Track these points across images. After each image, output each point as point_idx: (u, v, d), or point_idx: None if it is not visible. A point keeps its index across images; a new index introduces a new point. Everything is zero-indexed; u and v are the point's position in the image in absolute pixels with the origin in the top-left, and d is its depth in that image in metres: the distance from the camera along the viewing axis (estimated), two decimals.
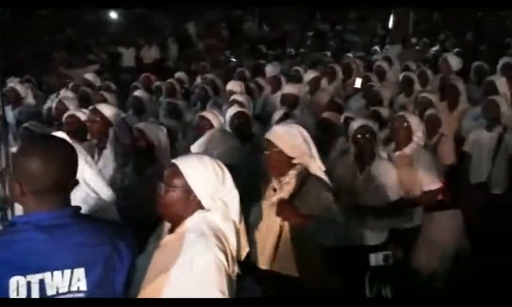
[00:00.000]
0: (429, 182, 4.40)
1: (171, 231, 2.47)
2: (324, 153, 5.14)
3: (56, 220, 1.93)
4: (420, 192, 4.40)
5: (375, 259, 3.87)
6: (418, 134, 4.53)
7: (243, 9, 18.38)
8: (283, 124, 3.62)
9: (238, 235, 2.45)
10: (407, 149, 4.47)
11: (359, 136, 4.16)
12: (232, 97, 6.12)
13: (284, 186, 3.34)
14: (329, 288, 3.34)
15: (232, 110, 5.04)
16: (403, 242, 4.26)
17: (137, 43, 14.69)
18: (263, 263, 3.29)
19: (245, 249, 2.53)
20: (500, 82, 6.34)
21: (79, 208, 2.04)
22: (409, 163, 4.41)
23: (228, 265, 2.32)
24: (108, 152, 4.49)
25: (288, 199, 3.30)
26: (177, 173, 2.40)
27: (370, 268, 3.88)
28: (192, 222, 2.39)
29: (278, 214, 3.27)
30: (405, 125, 4.51)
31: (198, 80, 10.04)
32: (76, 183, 2.06)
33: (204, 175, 2.39)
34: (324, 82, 7.87)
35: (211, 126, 4.77)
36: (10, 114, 6.44)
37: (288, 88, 6.65)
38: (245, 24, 19.00)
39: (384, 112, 5.52)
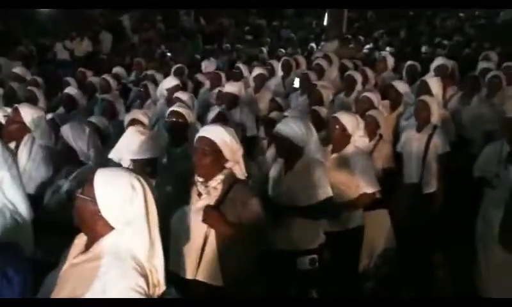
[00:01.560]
0: (367, 185, 4.37)
1: (87, 246, 2.27)
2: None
3: None
4: (357, 194, 4.38)
5: (301, 263, 3.83)
6: (358, 134, 4.48)
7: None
8: (222, 125, 3.46)
9: (151, 261, 2.21)
10: (344, 151, 4.39)
11: (277, 138, 3.98)
12: (175, 95, 5.92)
13: (211, 191, 3.21)
14: (255, 295, 3.27)
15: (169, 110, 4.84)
16: (340, 244, 4.22)
17: (70, 35, 14.16)
18: (186, 272, 3.16)
19: (161, 287, 2.26)
20: (433, 82, 6.44)
21: None
22: (346, 165, 4.35)
23: (149, 288, 2.14)
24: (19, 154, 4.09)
25: (215, 206, 3.17)
26: (90, 181, 2.21)
27: (297, 272, 3.84)
28: (106, 242, 2.19)
29: (204, 221, 3.12)
30: (338, 126, 4.40)
31: (133, 75, 9.82)
32: None
33: (113, 190, 2.17)
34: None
35: (144, 127, 4.54)
36: None
37: (227, 87, 6.53)
38: (181, 18, 18.74)
39: (324, 112, 5.50)
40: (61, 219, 3.54)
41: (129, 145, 3.69)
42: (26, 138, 4.13)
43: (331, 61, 8.69)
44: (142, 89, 7.16)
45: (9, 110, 4.55)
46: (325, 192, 3.83)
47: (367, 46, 14.23)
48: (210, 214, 3.12)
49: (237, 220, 3.16)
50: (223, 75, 7.86)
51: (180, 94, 5.92)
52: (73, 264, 2.24)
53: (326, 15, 15.31)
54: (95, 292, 2.08)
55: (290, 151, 3.90)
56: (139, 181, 2.22)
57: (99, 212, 2.18)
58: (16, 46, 12.59)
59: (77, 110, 6.28)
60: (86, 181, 2.25)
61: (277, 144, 4.02)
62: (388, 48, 13.58)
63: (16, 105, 4.36)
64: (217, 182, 3.21)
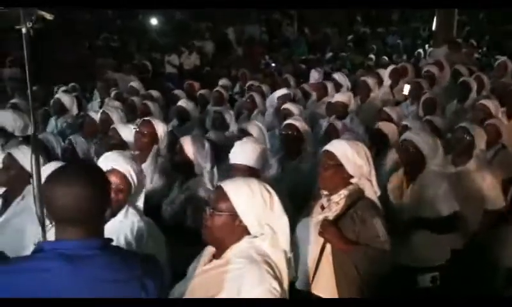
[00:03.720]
0: (494, 201, 4.12)
1: (215, 256, 2.36)
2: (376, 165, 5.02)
3: (83, 250, 1.84)
4: (481, 209, 4.13)
5: (422, 280, 3.69)
6: (481, 148, 4.26)
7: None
8: (347, 139, 3.40)
9: (289, 264, 2.34)
10: (470, 165, 4.19)
11: (404, 147, 3.89)
12: (284, 106, 5.93)
13: (332, 205, 3.15)
14: None
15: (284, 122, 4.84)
16: (462, 262, 4.00)
17: (178, 49, 14.69)
18: (301, 283, 3.15)
19: (289, 279, 2.38)
20: None
21: (109, 240, 1.94)
22: (469, 180, 4.14)
23: (281, 294, 2.21)
24: (147, 166, 4.32)
25: (334, 220, 3.11)
26: (223, 196, 2.29)
27: (417, 290, 3.69)
28: (239, 248, 2.28)
29: (320, 234, 3.09)
30: (467, 137, 4.24)
31: (237, 86, 9.99)
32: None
33: (251, 200, 2.28)
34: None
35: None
36: (54, 124, 6.43)
37: (337, 96, 6.43)
38: (284, 28, 18.87)
39: (439, 121, 5.25)
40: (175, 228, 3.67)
41: (248, 152, 3.69)
42: (153, 150, 4.30)
43: (442, 67, 8.31)
44: (248, 100, 7.24)
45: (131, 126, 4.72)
46: (452, 206, 3.68)
47: (479, 51, 13.51)
48: (327, 228, 3.07)
49: (355, 238, 3.07)
50: (329, 85, 7.76)
51: (289, 106, 5.92)
52: (205, 270, 2.34)
53: (435, 18, 14.75)
54: (229, 294, 2.16)
55: (416, 161, 3.80)
56: (266, 187, 2.34)
57: (240, 222, 2.26)
58: (130, 61, 13.27)
59: (191, 122, 6.45)
60: (217, 196, 2.31)
61: (404, 152, 3.89)
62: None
63: (148, 117, 4.54)
64: (340, 197, 3.14)
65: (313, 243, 3.14)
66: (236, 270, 2.21)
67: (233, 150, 3.73)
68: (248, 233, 2.30)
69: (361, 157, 3.13)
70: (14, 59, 11.84)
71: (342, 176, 3.13)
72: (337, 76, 8.17)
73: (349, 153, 3.12)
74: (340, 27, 18.69)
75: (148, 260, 2.05)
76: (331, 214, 3.13)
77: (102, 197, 1.92)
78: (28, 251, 3.27)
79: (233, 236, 2.29)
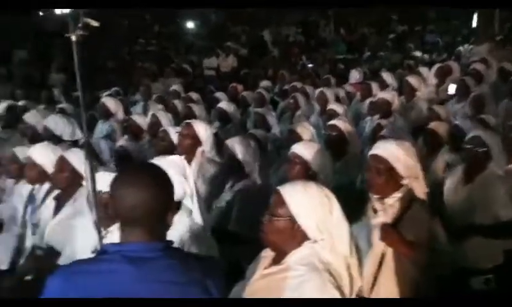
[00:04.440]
0: None
1: (275, 260, 2.32)
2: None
3: (146, 253, 1.84)
4: None
5: (475, 282, 3.60)
6: None
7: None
8: (395, 140, 3.32)
9: (349, 270, 2.27)
10: None
11: (470, 147, 3.79)
12: (329, 106, 5.87)
13: (388, 209, 3.07)
14: None
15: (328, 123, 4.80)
16: None
17: (216, 52, 14.76)
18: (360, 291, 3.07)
19: (357, 284, 2.33)
20: None
21: (171, 242, 1.93)
22: None
23: None
24: (192, 168, 4.29)
25: (393, 224, 3.02)
26: (281, 201, 2.25)
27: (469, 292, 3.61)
28: (300, 254, 2.24)
29: (382, 239, 3.00)
30: None
31: (276, 87, 9.97)
32: (176, 208, 1.95)
33: (309, 204, 2.23)
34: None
35: (300, 140, 4.54)
36: (101, 129, 6.51)
37: (381, 94, 6.33)
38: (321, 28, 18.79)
39: (492, 120, 5.10)
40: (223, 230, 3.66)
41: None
42: (198, 152, 4.29)
43: (488, 65, 8.11)
44: (292, 101, 7.18)
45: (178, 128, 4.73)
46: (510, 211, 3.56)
47: None
48: (389, 233, 2.99)
49: (415, 240, 2.99)
50: (374, 85, 7.65)
51: (334, 106, 5.86)
52: (264, 275, 2.30)
53: (475, 15, 14.42)
54: None
55: (479, 160, 3.70)
56: (324, 191, 2.29)
57: (299, 227, 2.22)
58: (169, 64, 13.39)
59: (232, 124, 6.46)
60: (274, 201, 2.28)
61: (469, 150, 3.78)
62: None
63: (188, 120, 4.54)
64: (394, 200, 3.06)
65: (371, 248, 3.06)
66: (297, 278, 2.17)
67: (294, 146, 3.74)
68: (308, 238, 2.25)
69: (411, 157, 3.07)
70: (60, 64, 12.12)
71: (394, 179, 3.06)
72: (384, 75, 8.05)
73: (399, 155, 3.05)
74: (377, 26, 18.48)
75: (210, 262, 2.04)
76: (388, 218, 3.05)
77: (166, 199, 1.91)
78: (81, 251, 3.33)
79: (292, 242, 2.25)
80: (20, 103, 7.54)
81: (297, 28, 18.36)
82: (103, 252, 1.89)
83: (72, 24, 2.56)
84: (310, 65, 14.32)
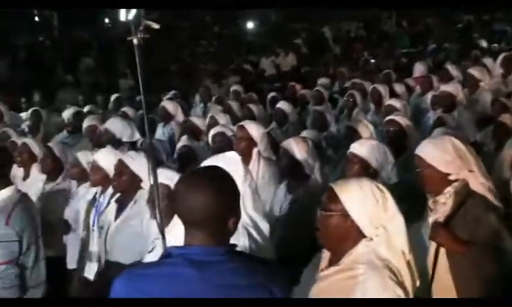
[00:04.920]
0: None
1: (332, 261, 2.29)
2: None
3: (209, 256, 1.83)
4: None
5: None
6: None
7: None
8: (433, 137, 3.24)
9: (409, 267, 2.23)
10: None
11: None
12: (387, 102, 5.75)
13: (439, 206, 2.97)
14: None
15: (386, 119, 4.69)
16: None
17: (275, 51, 14.77)
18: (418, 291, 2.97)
19: (416, 283, 2.28)
20: None
21: (234, 245, 1.92)
22: None
23: (406, 294, 2.14)
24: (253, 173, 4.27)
25: (444, 222, 2.92)
26: (333, 196, 2.24)
27: None
28: (357, 252, 2.21)
29: (432, 238, 2.92)
30: None
31: (336, 85, 9.87)
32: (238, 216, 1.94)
33: (362, 199, 2.21)
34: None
35: (359, 137, 4.47)
36: (161, 131, 6.66)
37: (444, 87, 6.13)
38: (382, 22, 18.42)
39: None
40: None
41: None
42: (254, 154, 4.30)
43: None
44: (350, 99, 7.09)
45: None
46: None
47: None
48: (438, 231, 2.90)
49: (471, 238, 2.88)
50: (434, 78, 7.43)
51: (392, 102, 5.73)
52: (324, 277, 2.28)
53: None
54: None
55: None
56: (378, 186, 2.27)
57: (352, 222, 2.20)
58: (229, 65, 13.53)
59: (289, 124, 6.44)
60: (327, 197, 2.26)
61: None
62: None
63: (241, 123, 4.57)
64: (445, 197, 2.96)
65: (426, 248, 2.99)
66: (357, 277, 2.15)
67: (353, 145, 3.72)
68: (363, 236, 2.22)
69: (448, 152, 2.94)
70: (123, 70, 12.52)
71: (439, 177, 2.96)
72: (450, 67, 7.80)
73: (435, 153, 2.96)
74: (441, 17, 17.90)
75: (273, 266, 2.03)
76: (439, 216, 2.95)
77: (231, 203, 1.90)
78: (141, 252, 3.41)
79: (347, 239, 2.22)
80: (86, 108, 7.81)
81: (358, 23, 18.07)
82: (167, 255, 1.90)
83: (133, 27, 2.61)
84: (372, 60, 14.09)
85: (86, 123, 6.33)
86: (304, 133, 5.08)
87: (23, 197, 3.45)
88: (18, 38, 15.51)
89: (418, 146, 3.17)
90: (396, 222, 2.22)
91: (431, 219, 2.99)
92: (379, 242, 2.20)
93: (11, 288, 3.21)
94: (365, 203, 2.21)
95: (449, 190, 2.95)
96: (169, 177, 3.24)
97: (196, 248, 1.84)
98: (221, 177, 1.91)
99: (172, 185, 3.15)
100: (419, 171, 3.03)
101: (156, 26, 2.72)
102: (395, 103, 5.66)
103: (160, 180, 2.97)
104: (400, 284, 2.14)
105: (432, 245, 2.95)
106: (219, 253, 1.84)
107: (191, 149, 5.06)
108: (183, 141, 5.29)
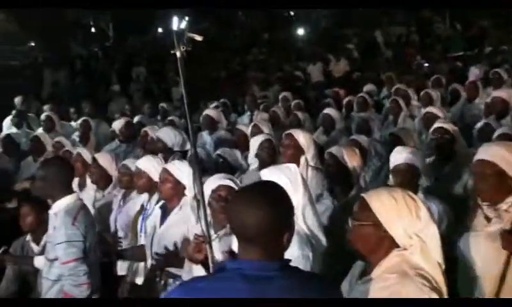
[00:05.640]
0: None
1: (365, 271, 2.29)
2: None
3: (262, 272, 1.83)
4: None
5: None
6: None
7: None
8: (501, 142, 3.11)
9: (444, 276, 2.19)
10: None
11: None
12: (427, 109, 5.65)
13: (502, 214, 2.85)
14: None
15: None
16: None
17: (324, 57, 14.69)
18: None
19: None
20: None
21: (288, 260, 1.91)
22: None
23: None
24: None
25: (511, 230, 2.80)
26: (365, 207, 2.22)
27: None
28: (389, 262, 2.19)
29: (505, 248, 2.78)
30: None
31: (385, 91, 9.72)
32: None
33: (394, 208, 2.18)
34: None
35: (403, 145, 4.39)
36: (206, 139, 6.74)
37: (496, 93, 5.96)
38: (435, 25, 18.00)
39: None
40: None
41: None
42: (302, 162, 4.29)
43: None
44: (393, 105, 6.98)
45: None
46: None
47: None
48: (510, 240, 2.77)
49: None
50: (480, 84, 7.23)
51: (432, 109, 5.63)
52: (357, 288, 2.27)
53: None
54: None
55: None
56: (410, 195, 2.24)
57: (385, 232, 2.19)
58: (279, 72, 13.55)
59: (336, 130, 6.40)
60: (359, 207, 2.25)
61: None
62: None
63: (289, 130, 4.55)
64: (508, 205, 2.85)
65: (491, 258, 2.84)
66: (389, 288, 2.13)
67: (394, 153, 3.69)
68: (396, 245, 2.20)
69: None
70: (173, 79, 12.75)
71: (506, 183, 2.85)
72: (501, 72, 7.58)
73: (506, 156, 2.85)
74: (497, 18, 17.31)
75: (326, 282, 2.02)
76: (504, 224, 2.83)
77: (286, 218, 1.90)
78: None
79: (380, 249, 2.20)
80: (137, 118, 7.97)
81: (409, 27, 17.73)
82: (221, 269, 1.92)
83: (176, 40, 2.65)
84: (426, 64, 13.80)
85: (143, 132, 6.41)
86: (354, 137, 5.05)
87: (83, 203, 3.71)
88: (74, 49, 16.11)
89: (479, 151, 3.02)
90: (430, 231, 2.20)
91: (492, 229, 2.86)
92: (414, 251, 2.17)
93: (81, 286, 3.41)
94: (398, 213, 2.18)
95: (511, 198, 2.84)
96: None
97: (250, 262, 1.85)
98: (276, 193, 1.92)
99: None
100: (482, 176, 2.89)
101: (199, 38, 2.76)
102: (436, 111, 5.57)
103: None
104: (435, 289, 2.11)
105: (500, 255, 2.80)
106: (273, 268, 1.84)
107: (224, 158, 5.12)
108: (221, 149, 5.36)
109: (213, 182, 3.37)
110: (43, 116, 7.66)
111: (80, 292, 3.42)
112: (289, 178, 2.94)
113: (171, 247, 3.66)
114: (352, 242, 2.27)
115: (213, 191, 3.33)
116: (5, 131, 8.20)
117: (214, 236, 3.20)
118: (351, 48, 15.97)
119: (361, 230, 2.22)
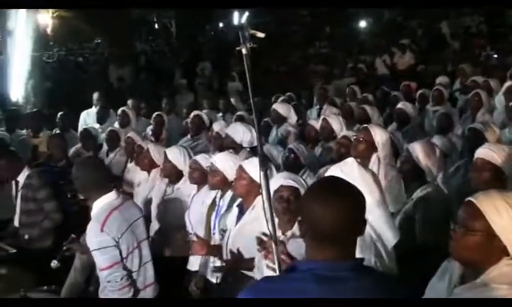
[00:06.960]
0: None
1: (466, 276, 2.14)
2: None
3: (336, 272, 1.78)
4: None
5: None
6: None
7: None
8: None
9: None
10: None
11: None
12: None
13: None
14: None
15: None
16: None
17: (389, 50, 14.34)
18: None
19: None
20: None
21: (361, 260, 1.85)
22: None
23: None
24: None
25: None
26: (477, 213, 2.05)
27: None
28: (498, 271, 2.03)
29: None
30: None
31: (457, 83, 9.37)
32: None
33: (511, 217, 2.01)
34: None
35: (484, 141, 4.16)
36: (275, 134, 6.66)
37: None
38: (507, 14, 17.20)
39: None
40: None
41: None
42: (374, 158, 4.16)
43: None
44: (476, 98, 6.65)
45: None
46: None
47: None
48: None
49: None
50: None
51: None
52: (460, 293, 2.12)
53: None
54: None
55: None
56: None
57: (499, 242, 2.03)
58: (342, 66, 13.34)
59: (411, 125, 6.19)
60: (468, 213, 2.09)
61: None
62: None
63: (367, 125, 4.43)
64: None
65: None
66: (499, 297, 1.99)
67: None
68: (506, 254, 2.03)
69: None
70: (235, 74, 12.78)
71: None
72: None
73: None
74: None
75: (401, 282, 1.97)
76: None
77: (360, 217, 1.85)
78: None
79: (489, 257, 2.05)
80: (204, 111, 7.99)
81: (478, 17, 17.05)
82: (293, 269, 1.88)
83: (241, 37, 2.64)
84: (495, 56, 13.24)
85: (214, 128, 6.40)
86: (434, 140, 4.82)
87: (125, 201, 3.60)
88: (139, 45, 16.42)
89: None
90: None
91: None
92: None
93: (121, 290, 3.37)
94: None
95: None
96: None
97: (322, 263, 1.80)
98: (351, 190, 1.86)
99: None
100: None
101: (261, 35, 2.72)
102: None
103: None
104: None
105: None
106: (346, 268, 1.79)
107: (295, 155, 5.03)
108: (291, 144, 5.26)
109: (274, 182, 3.29)
110: (119, 111, 7.79)
111: (122, 295, 3.38)
112: (367, 180, 2.82)
113: (243, 249, 3.62)
114: (458, 250, 2.11)
115: (275, 192, 3.25)
116: (82, 125, 8.40)
117: (281, 237, 3.14)
118: (416, 41, 15.55)
119: (471, 238, 2.06)
